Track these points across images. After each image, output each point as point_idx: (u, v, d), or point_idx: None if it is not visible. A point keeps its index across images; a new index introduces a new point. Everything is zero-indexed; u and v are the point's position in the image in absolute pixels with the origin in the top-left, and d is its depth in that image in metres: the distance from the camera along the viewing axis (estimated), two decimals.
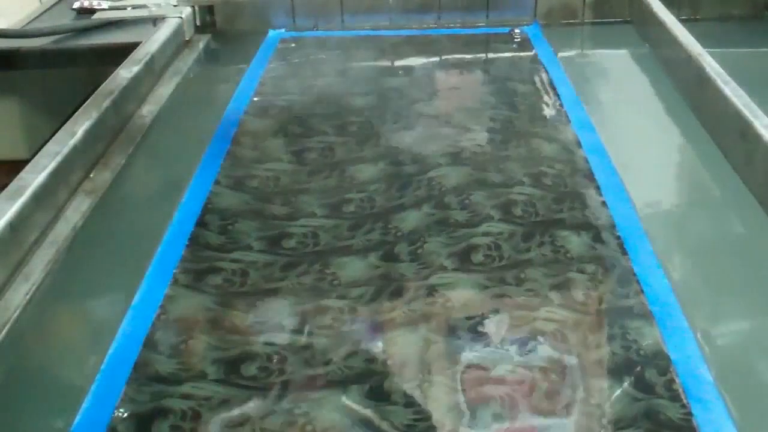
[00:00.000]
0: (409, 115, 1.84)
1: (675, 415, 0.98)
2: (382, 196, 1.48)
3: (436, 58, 2.22)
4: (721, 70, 1.63)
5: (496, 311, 1.17)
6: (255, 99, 1.95)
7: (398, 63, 2.18)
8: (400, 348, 1.11)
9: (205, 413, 1.01)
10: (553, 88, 1.93)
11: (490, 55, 2.27)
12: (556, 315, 1.16)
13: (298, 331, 1.15)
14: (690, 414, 0.98)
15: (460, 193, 1.47)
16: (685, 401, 0.99)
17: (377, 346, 1.12)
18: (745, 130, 1.45)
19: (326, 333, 1.14)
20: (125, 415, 1.01)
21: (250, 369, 1.08)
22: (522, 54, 2.21)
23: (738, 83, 1.57)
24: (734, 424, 0.97)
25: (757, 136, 1.40)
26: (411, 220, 1.40)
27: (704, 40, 1.82)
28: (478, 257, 1.29)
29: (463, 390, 1.03)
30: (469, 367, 1.07)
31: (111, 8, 2.33)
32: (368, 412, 1.00)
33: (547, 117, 1.81)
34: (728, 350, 1.12)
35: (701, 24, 2.28)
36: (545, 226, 1.36)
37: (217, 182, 1.55)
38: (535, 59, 2.13)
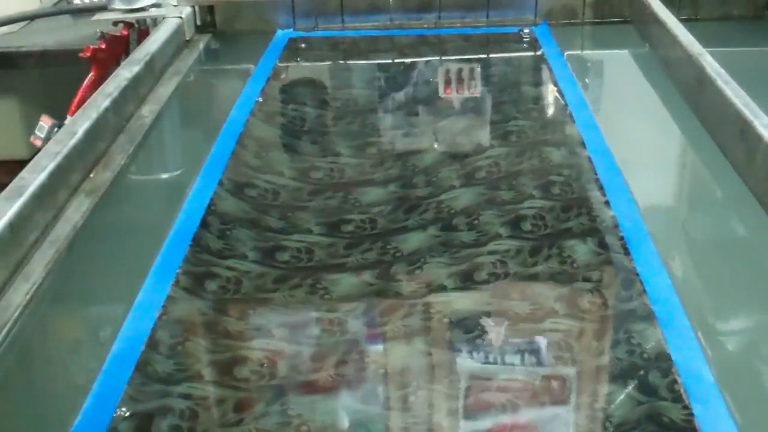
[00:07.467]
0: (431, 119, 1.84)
1: (677, 417, 0.98)
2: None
3: (455, 58, 2.20)
4: (721, 70, 1.63)
5: (500, 319, 1.17)
6: (261, 101, 1.93)
7: (416, 65, 2.16)
8: (392, 358, 1.11)
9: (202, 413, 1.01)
10: (560, 89, 1.93)
11: (503, 55, 2.27)
12: (561, 324, 1.15)
13: (288, 339, 1.15)
14: (691, 415, 0.97)
15: (470, 215, 1.45)
16: (686, 402, 0.99)
17: (368, 356, 1.12)
18: (745, 129, 1.45)
19: (317, 342, 1.14)
20: (126, 414, 1.01)
21: (243, 371, 1.08)
22: (530, 54, 2.22)
23: (738, 83, 1.57)
24: (735, 425, 0.96)
25: (757, 136, 1.40)
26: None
27: (704, 40, 1.81)
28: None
29: (462, 396, 1.03)
30: (462, 373, 1.07)
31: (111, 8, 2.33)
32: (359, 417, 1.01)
33: (556, 118, 1.82)
34: (730, 350, 1.11)
35: (701, 24, 2.27)
36: (554, 238, 1.36)
37: (220, 183, 1.54)
38: (543, 59, 2.13)
